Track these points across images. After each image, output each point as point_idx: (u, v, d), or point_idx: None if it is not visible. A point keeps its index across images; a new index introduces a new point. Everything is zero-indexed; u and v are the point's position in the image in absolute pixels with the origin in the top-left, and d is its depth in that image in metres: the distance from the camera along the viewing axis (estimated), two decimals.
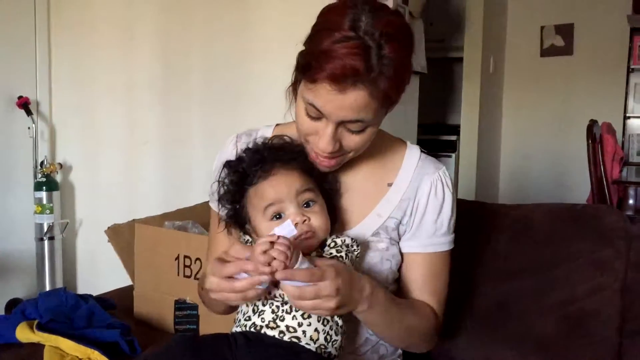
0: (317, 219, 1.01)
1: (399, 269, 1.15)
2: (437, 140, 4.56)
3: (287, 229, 0.98)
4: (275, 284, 0.95)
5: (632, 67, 4.35)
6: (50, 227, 2.85)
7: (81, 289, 3.05)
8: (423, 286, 1.13)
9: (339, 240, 1.03)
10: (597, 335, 1.28)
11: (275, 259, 0.89)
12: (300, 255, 0.92)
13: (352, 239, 1.04)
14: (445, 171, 1.16)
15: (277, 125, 1.22)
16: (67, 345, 1.38)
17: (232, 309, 1.16)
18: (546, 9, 4.61)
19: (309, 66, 0.94)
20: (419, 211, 1.12)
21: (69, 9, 2.92)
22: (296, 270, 0.90)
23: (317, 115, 0.98)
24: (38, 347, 1.41)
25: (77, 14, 2.90)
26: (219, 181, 1.08)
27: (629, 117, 4.46)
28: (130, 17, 2.80)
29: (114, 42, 2.84)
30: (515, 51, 4.76)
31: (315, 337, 0.96)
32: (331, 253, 1.01)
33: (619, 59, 4.38)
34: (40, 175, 2.85)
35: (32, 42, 2.90)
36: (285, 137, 1.10)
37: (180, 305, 1.61)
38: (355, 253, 1.03)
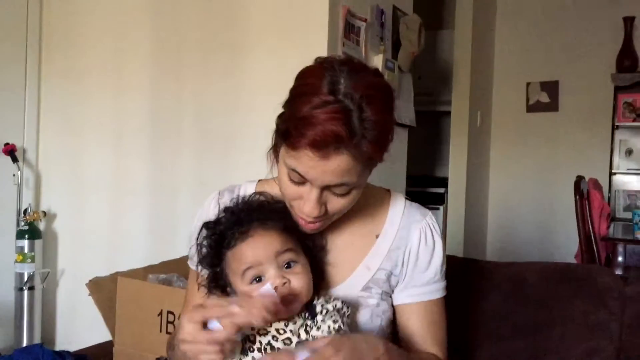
0: (299, 280, 0.97)
1: (393, 324, 1.12)
2: (425, 192, 4.56)
3: (266, 293, 0.94)
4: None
5: (616, 124, 4.42)
6: (31, 277, 2.78)
7: (60, 342, 2.95)
8: (426, 336, 1.10)
9: (330, 306, 0.98)
10: None
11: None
12: (299, 347, 0.87)
13: (341, 301, 1.00)
14: (431, 216, 1.14)
15: (259, 181, 1.19)
16: None
17: None
18: (531, 66, 4.71)
19: (289, 133, 0.92)
20: (410, 260, 1.10)
21: (60, 56, 2.93)
22: None
23: (301, 180, 0.96)
24: None
25: (68, 61, 2.91)
26: (197, 244, 1.05)
27: (614, 173, 4.51)
28: (121, 66, 2.81)
29: (103, 90, 2.84)
30: (502, 106, 4.84)
31: None
32: (329, 326, 0.95)
33: (604, 116, 4.45)
34: (23, 223, 2.80)
35: (21, 89, 2.90)
36: (265, 194, 1.07)
37: None
38: (347, 315, 0.99)
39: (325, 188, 0.96)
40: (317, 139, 0.88)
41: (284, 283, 0.95)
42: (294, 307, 0.96)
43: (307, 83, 0.94)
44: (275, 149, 1.02)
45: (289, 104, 0.96)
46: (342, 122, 0.88)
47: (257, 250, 0.97)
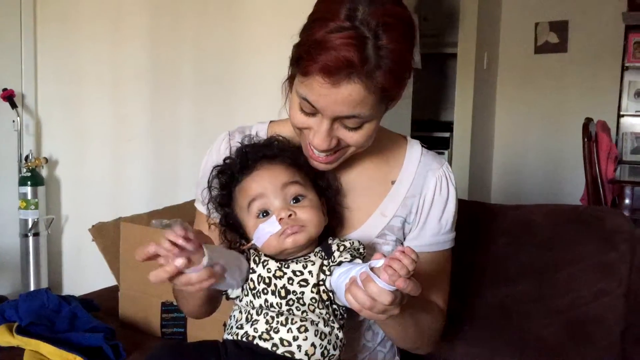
0: (305, 213, 0.94)
1: None
2: (430, 137, 4.51)
3: (271, 225, 0.92)
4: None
5: (626, 64, 4.32)
6: (35, 223, 2.78)
7: (67, 287, 2.99)
8: (429, 286, 1.08)
9: (347, 243, 0.96)
10: (600, 341, 1.25)
11: None
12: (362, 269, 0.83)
13: (358, 241, 0.97)
14: (448, 166, 1.12)
15: (271, 122, 1.16)
16: (48, 349, 1.33)
17: (204, 309, 1.08)
18: (540, 6, 4.57)
19: (301, 58, 0.90)
20: (424, 209, 1.08)
21: (55, 0, 2.84)
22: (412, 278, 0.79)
23: (312, 110, 0.93)
24: (17, 352, 1.35)
25: (64, 5, 2.83)
26: (208, 186, 1.02)
27: (622, 115, 4.43)
28: (119, 10, 2.73)
29: (101, 35, 2.78)
30: (510, 48, 4.72)
31: (310, 352, 0.90)
32: (353, 259, 0.92)
33: (614, 57, 4.35)
34: (25, 170, 2.78)
35: (17, 34, 2.82)
36: (279, 137, 1.04)
37: (167, 307, 1.56)
38: (364, 255, 0.96)
39: (336, 120, 0.93)
40: (329, 64, 0.86)
41: (290, 215, 0.93)
42: (298, 240, 0.92)
43: (325, 8, 0.91)
44: (290, 81, 0.99)
45: (305, 29, 0.93)
46: (356, 48, 0.85)
47: (262, 182, 0.96)
